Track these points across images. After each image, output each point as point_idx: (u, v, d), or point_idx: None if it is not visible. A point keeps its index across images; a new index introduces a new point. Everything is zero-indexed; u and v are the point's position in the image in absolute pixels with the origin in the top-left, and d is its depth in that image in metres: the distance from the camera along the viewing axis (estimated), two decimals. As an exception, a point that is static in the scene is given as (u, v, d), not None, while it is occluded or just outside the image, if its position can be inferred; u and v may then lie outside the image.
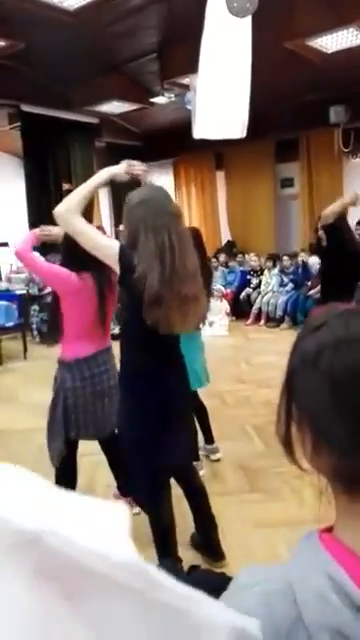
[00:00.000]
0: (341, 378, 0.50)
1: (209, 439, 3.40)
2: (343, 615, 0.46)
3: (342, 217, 3.64)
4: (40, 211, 8.78)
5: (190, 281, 1.86)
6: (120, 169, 2.06)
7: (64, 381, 2.38)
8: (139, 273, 1.77)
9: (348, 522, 0.52)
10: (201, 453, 3.35)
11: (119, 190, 10.80)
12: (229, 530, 2.49)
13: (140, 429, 1.96)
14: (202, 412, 3.32)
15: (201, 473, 3.08)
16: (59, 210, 1.88)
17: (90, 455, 2.82)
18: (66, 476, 2.41)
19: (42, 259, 2.50)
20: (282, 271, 8.39)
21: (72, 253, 2.28)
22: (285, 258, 8.36)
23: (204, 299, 2.06)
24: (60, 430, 2.37)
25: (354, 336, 0.51)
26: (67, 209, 1.87)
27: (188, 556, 2.26)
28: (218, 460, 3.38)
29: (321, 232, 3.67)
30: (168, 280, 1.78)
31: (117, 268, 1.83)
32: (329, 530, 0.54)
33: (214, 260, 9.13)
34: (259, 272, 8.79)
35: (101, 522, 0.33)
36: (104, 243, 1.87)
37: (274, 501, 2.85)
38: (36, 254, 2.51)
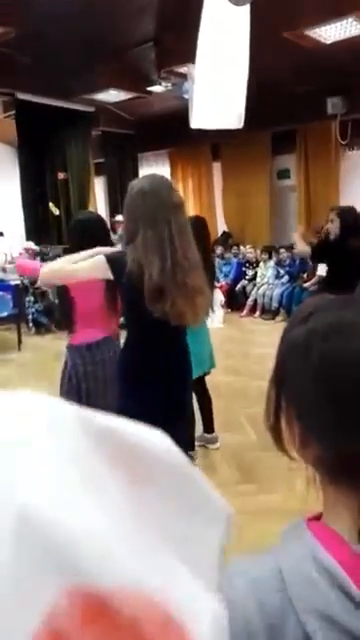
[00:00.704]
0: (328, 368, 0.50)
1: (209, 428, 3.42)
2: (331, 599, 0.46)
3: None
4: (35, 201, 8.73)
5: (193, 272, 1.85)
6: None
7: (75, 365, 2.42)
8: (131, 266, 1.77)
9: (334, 510, 0.53)
10: (198, 443, 3.37)
11: (114, 180, 10.75)
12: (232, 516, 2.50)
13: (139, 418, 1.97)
14: (206, 399, 3.34)
15: (194, 463, 3.11)
16: (44, 273, 2.00)
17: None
18: None
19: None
20: (278, 263, 8.39)
21: (77, 242, 2.35)
22: (282, 250, 8.35)
23: (208, 290, 2.07)
24: None
25: (341, 326, 0.51)
26: (49, 280, 2.07)
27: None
28: (217, 449, 3.40)
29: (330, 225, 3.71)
30: (170, 272, 1.77)
31: (110, 276, 1.86)
32: (317, 518, 0.54)
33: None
34: (255, 264, 8.79)
35: (149, 429, 0.39)
36: (89, 268, 1.90)
37: (268, 492, 2.87)
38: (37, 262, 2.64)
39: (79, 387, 2.40)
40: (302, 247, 3.85)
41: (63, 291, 2.52)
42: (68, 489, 0.31)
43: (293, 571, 0.49)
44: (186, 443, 2.42)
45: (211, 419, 3.42)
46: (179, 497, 0.38)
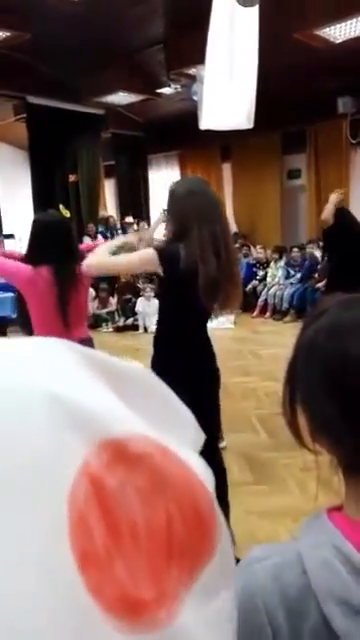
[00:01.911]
0: (333, 365, 0.52)
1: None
2: (350, 585, 0.48)
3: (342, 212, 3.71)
4: (46, 203, 8.78)
5: (237, 265, 2.14)
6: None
7: None
8: (188, 262, 1.86)
9: (352, 500, 0.54)
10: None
11: (124, 182, 10.79)
12: (234, 521, 2.50)
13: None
14: None
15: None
16: (90, 262, 2.05)
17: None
18: None
19: None
20: (288, 263, 8.36)
21: (31, 246, 2.34)
22: (294, 250, 8.32)
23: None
24: None
25: (342, 325, 0.52)
26: (98, 260, 2.07)
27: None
28: (224, 448, 3.40)
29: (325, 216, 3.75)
30: (224, 267, 1.92)
31: (160, 271, 1.95)
32: (338, 509, 0.56)
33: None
34: (265, 264, 8.76)
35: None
36: (139, 260, 2.01)
37: (279, 492, 2.87)
38: None
39: None
40: (327, 214, 3.87)
41: (20, 298, 2.42)
42: (75, 378, 0.40)
43: (313, 557, 0.51)
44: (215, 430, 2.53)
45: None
46: (157, 407, 0.47)
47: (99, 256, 2.10)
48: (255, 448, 3.42)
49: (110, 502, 0.36)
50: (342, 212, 3.79)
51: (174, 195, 1.99)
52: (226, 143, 9.32)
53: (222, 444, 3.42)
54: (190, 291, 1.88)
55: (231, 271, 1.98)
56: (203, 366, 2.12)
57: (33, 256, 2.35)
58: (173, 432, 0.45)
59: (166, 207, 2.08)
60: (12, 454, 0.35)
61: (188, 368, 2.01)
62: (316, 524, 0.55)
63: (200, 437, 0.51)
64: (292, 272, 8.26)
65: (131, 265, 2.10)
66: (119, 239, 2.11)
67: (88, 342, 2.47)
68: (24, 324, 2.58)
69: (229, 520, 2.38)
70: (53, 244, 2.29)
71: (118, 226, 9.46)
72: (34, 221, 2.50)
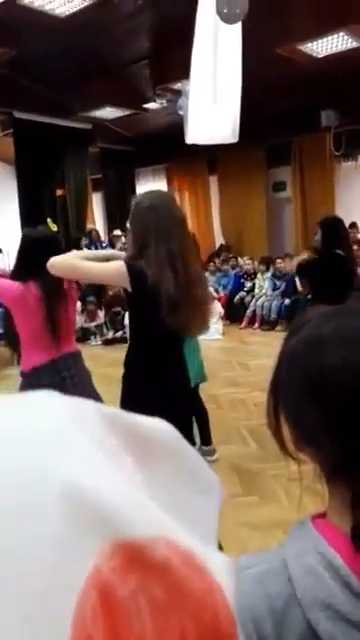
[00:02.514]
0: (312, 375, 0.53)
1: (206, 440, 3.41)
2: (334, 590, 0.49)
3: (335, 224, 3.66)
4: (33, 217, 8.77)
5: (200, 284, 1.94)
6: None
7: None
8: (152, 280, 1.80)
9: (335, 507, 0.55)
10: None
11: (112, 195, 10.84)
12: (224, 533, 2.49)
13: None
14: (202, 411, 3.34)
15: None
16: (54, 261, 1.93)
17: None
18: None
19: None
20: (274, 275, 8.41)
21: (19, 262, 2.35)
22: (278, 261, 8.38)
23: (212, 300, 2.14)
24: None
25: (325, 334, 0.54)
26: (63, 271, 1.95)
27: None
28: (215, 461, 3.39)
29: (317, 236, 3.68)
30: (183, 285, 1.83)
31: (127, 285, 1.86)
32: (323, 515, 0.57)
33: (211, 264, 9.19)
34: (253, 275, 8.82)
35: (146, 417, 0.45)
36: (106, 270, 1.91)
37: (269, 503, 2.86)
38: None
39: None
40: (290, 265, 3.87)
41: (7, 314, 2.43)
42: (97, 465, 0.36)
43: (298, 564, 0.51)
44: None
45: (208, 431, 3.41)
46: (182, 474, 0.44)
47: (68, 258, 1.97)
48: (245, 459, 3.42)
49: (119, 616, 0.33)
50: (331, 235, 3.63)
51: (136, 209, 1.92)
52: (212, 156, 9.43)
53: (214, 457, 3.41)
54: (157, 310, 1.82)
55: (191, 291, 1.86)
56: (178, 399, 2.01)
57: (21, 272, 2.36)
58: (197, 512, 0.42)
59: (128, 220, 2.00)
60: (21, 563, 0.32)
61: (163, 401, 1.95)
62: (301, 531, 0.55)
63: (220, 497, 0.49)
64: (278, 283, 8.31)
65: (104, 273, 1.94)
66: (106, 251, 2.06)
67: (77, 356, 2.47)
68: (11, 341, 2.56)
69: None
70: (41, 259, 2.26)
71: (103, 239, 9.47)
72: (22, 237, 2.51)
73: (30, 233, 2.49)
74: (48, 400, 0.41)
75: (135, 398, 1.98)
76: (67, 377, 2.36)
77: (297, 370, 0.55)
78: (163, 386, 1.96)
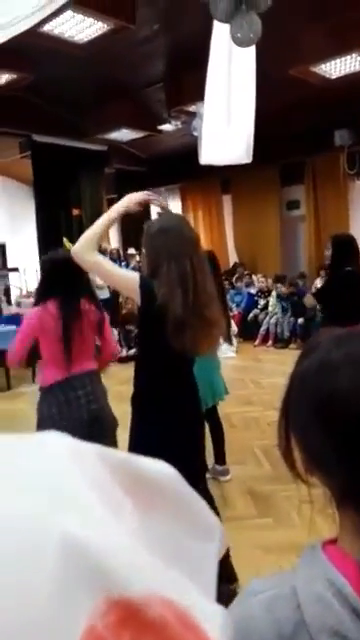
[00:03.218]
0: (323, 398, 0.53)
1: (221, 459, 3.37)
2: (342, 618, 0.48)
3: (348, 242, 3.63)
4: (50, 237, 8.92)
5: (211, 305, 1.92)
6: (139, 197, 2.07)
7: (40, 411, 2.38)
8: (161, 300, 1.81)
9: (346, 533, 0.54)
10: (208, 476, 3.32)
11: (127, 215, 10.94)
12: (238, 556, 2.45)
13: (160, 453, 1.97)
14: (218, 430, 3.31)
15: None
16: (75, 249, 1.91)
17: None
18: None
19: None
20: (279, 296, 8.37)
21: (42, 285, 2.44)
22: (278, 285, 8.30)
23: (223, 321, 2.18)
24: None
25: (336, 359, 0.53)
26: (83, 247, 1.90)
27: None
28: (229, 481, 3.35)
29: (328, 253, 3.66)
30: (191, 306, 1.82)
31: (137, 298, 1.86)
32: (334, 541, 0.56)
33: (225, 282, 9.21)
34: (266, 293, 8.81)
35: (155, 461, 0.45)
36: (123, 275, 1.94)
37: (283, 526, 2.81)
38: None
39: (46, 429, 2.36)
40: (309, 300, 3.82)
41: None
42: (96, 514, 0.35)
43: (307, 591, 0.51)
44: (196, 474, 2.40)
45: (223, 450, 3.37)
46: (182, 519, 0.43)
47: (96, 253, 1.92)
48: (258, 480, 3.37)
49: None
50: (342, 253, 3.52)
51: (147, 233, 1.95)
52: (226, 176, 9.52)
53: (227, 477, 3.37)
54: (164, 330, 1.82)
55: (200, 312, 1.85)
56: (186, 421, 2.00)
57: (42, 293, 2.47)
58: (196, 560, 0.42)
59: (142, 245, 2.02)
60: (16, 619, 0.31)
61: (171, 423, 1.93)
62: (311, 558, 0.54)
63: (221, 543, 0.48)
64: (284, 305, 8.27)
65: (121, 279, 1.91)
66: (115, 209, 2.01)
67: (93, 374, 2.50)
68: (30, 358, 2.63)
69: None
70: (59, 279, 2.39)
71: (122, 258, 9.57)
72: (44, 261, 2.61)
73: (51, 256, 2.57)
74: (53, 442, 0.41)
75: (143, 419, 1.98)
76: (82, 395, 2.38)
77: (307, 393, 0.54)
78: (170, 407, 1.95)
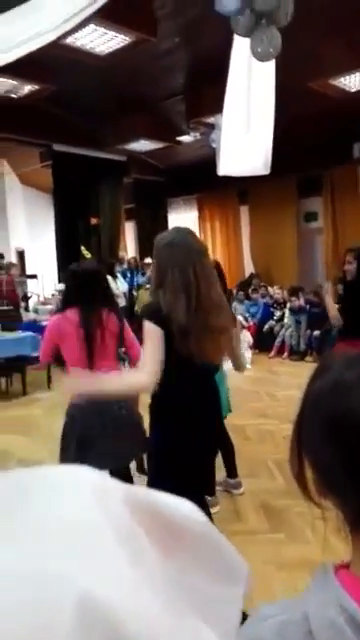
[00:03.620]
0: (336, 420, 0.52)
1: (232, 472, 3.34)
2: None
3: None
4: (68, 245, 9.03)
5: (216, 312, 1.94)
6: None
7: (71, 414, 2.43)
8: (166, 308, 1.86)
9: (359, 557, 0.53)
10: (220, 488, 3.29)
11: (144, 224, 11.06)
12: (250, 571, 2.41)
13: (178, 459, 1.98)
14: (227, 444, 3.28)
15: (216, 509, 3.02)
16: (146, 382, 1.89)
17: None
18: None
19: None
20: (292, 310, 8.30)
21: (66, 296, 2.55)
22: (293, 299, 8.22)
23: (232, 329, 2.19)
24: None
25: (350, 380, 0.53)
26: (141, 390, 2.02)
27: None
28: (242, 494, 3.31)
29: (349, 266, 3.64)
30: (194, 312, 1.86)
31: (162, 331, 1.87)
32: (347, 566, 0.55)
33: (240, 293, 9.19)
34: (282, 305, 8.76)
35: (171, 497, 0.44)
36: (154, 339, 1.87)
37: (295, 542, 2.76)
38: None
39: (75, 436, 2.39)
40: (334, 313, 3.74)
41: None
42: (117, 569, 0.34)
43: (319, 617, 0.50)
44: (204, 482, 2.39)
45: (234, 463, 3.34)
46: (205, 562, 0.42)
47: (149, 366, 1.87)
48: (271, 494, 3.33)
49: None
50: None
51: (156, 246, 2.01)
52: (243, 187, 9.55)
53: (240, 490, 3.34)
54: (173, 338, 1.85)
55: (205, 318, 1.87)
56: (201, 439, 2.02)
57: (66, 301, 2.57)
58: (219, 606, 0.41)
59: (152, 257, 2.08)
60: None
61: (186, 434, 1.95)
62: (323, 582, 0.54)
63: (246, 584, 0.48)
64: (297, 319, 8.20)
65: (154, 345, 1.87)
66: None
67: None
68: (57, 363, 2.76)
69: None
70: (78, 289, 2.50)
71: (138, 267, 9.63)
72: (69, 273, 2.67)
73: (73, 268, 2.65)
74: (81, 480, 0.39)
75: (158, 426, 2.01)
76: (113, 401, 2.42)
77: (321, 413, 0.54)
78: (183, 414, 1.97)
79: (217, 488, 3.25)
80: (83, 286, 2.49)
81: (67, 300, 2.56)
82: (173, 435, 1.98)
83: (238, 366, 2.70)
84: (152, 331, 1.88)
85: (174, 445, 1.97)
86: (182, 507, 0.42)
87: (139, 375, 1.90)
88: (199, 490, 2.10)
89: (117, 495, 0.38)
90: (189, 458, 1.98)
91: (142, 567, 0.36)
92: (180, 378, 1.95)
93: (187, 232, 2.06)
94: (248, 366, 7.40)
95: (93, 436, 2.38)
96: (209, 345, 1.92)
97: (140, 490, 0.41)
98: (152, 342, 1.88)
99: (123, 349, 2.69)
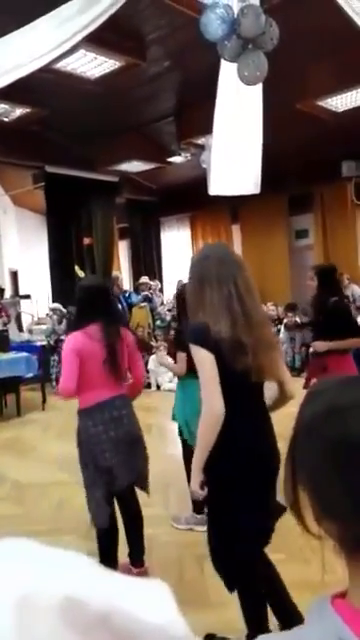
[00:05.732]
0: (333, 445, 0.51)
1: None
2: None
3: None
4: (62, 265, 9.05)
5: (264, 327, 1.86)
6: None
7: (86, 429, 2.38)
8: (213, 329, 1.73)
9: (356, 587, 0.52)
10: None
11: (138, 243, 11.12)
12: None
13: (238, 492, 1.88)
14: None
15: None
16: (217, 416, 1.76)
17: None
18: (110, 535, 2.40)
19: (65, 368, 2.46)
20: (285, 326, 8.31)
21: (81, 307, 2.47)
22: (289, 315, 8.26)
23: (280, 344, 2.07)
24: (100, 484, 2.34)
25: (346, 404, 0.52)
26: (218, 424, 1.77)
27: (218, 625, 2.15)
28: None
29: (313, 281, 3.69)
30: (243, 326, 1.75)
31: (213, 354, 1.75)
32: (343, 594, 0.54)
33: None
34: (277, 322, 8.78)
35: (151, 598, 0.33)
36: (207, 366, 1.75)
37: (295, 562, 2.72)
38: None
39: (90, 449, 2.37)
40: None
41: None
42: None
43: None
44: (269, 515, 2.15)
45: None
46: None
47: (210, 398, 1.73)
48: (270, 513, 3.29)
49: None
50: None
51: (192, 262, 1.93)
52: (235, 206, 9.65)
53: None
54: (221, 357, 1.72)
55: (257, 332, 1.76)
56: (259, 465, 1.91)
57: (80, 318, 2.48)
58: None
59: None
60: None
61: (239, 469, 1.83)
62: (321, 612, 0.52)
63: None
64: (291, 335, 8.20)
65: (212, 379, 1.73)
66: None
67: (127, 397, 2.53)
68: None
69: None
70: (97, 305, 2.44)
71: (127, 287, 9.57)
72: (80, 288, 2.63)
73: (86, 283, 2.66)
74: (9, 576, 0.30)
75: (213, 454, 1.82)
76: (125, 415, 2.42)
77: (317, 439, 0.53)
78: (237, 440, 1.84)
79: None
80: (101, 301, 2.45)
81: (85, 316, 2.43)
82: (227, 463, 1.82)
83: (285, 394, 2.05)
84: (205, 358, 1.73)
85: (229, 472, 1.83)
86: (148, 613, 0.32)
87: (214, 404, 1.72)
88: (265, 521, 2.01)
89: (53, 611, 0.29)
90: (247, 486, 1.87)
91: None
92: (233, 400, 1.77)
93: (221, 245, 2.01)
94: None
95: (106, 453, 2.35)
96: (265, 360, 1.78)
97: (92, 598, 0.30)
98: (209, 371, 1.73)
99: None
